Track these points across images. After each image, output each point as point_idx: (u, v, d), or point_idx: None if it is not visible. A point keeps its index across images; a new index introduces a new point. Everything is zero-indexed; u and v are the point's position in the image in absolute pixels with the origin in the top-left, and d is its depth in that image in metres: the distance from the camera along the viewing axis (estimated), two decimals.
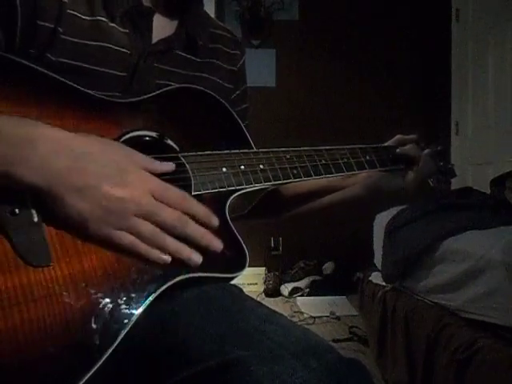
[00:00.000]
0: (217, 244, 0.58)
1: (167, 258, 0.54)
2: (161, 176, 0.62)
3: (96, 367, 0.47)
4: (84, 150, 0.52)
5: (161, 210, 0.54)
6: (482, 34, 2.87)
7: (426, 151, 0.87)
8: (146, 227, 0.53)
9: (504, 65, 2.64)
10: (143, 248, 0.53)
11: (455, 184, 2.86)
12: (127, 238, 0.53)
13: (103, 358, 0.48)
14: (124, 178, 0.53)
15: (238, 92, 0.87)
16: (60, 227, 0.52)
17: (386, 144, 0.89)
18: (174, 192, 0.56)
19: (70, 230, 0.52)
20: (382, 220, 2.00)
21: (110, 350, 0.49)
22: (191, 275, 0.57)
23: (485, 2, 2.86)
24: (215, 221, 0.58)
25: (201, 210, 0.58)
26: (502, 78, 2.66)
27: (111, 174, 0.52)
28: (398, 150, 0.86)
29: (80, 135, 0.53)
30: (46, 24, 0.62)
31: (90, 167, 0.51)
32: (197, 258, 0.56)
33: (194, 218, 0.57)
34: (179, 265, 0.56)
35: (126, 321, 0.51)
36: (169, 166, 0.59)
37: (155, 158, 0.61)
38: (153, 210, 0.53)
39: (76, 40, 0.64)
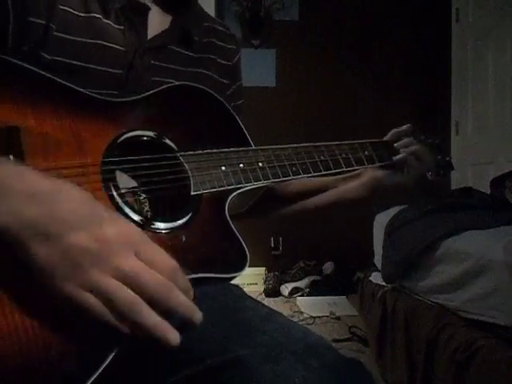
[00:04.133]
0: (199, 317, 0.45)
1: (139, 334, 0.43)
2: (160, 177, 0.61)
3: (100, 370, 0.47)
4: (59, 196, 0.43)
5: (145, 274, 0.42)
6: (481, 34, 2.87)
7: (423, 143, 0.87)
8: (123, 293, 0.41)
9: (504, 65, 2.64)
10: (112, 321, 0.42)
11: (455, 184, 2.87)
12: (96, 306, 0.41)
13: (107, 361, 0.48)
14: (104, 229, 0.43)
15: (233, 87, 0.86)
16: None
17: (384, 139, 0.88)
18: (162, 256, 0.45)
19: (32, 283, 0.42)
20: (382, 220, 2.00)
21: (114, 353, 0.49)
22: (192, 276, 0.57)
23: (485, 2, 2.85)
24: (192, 293, 0.47)
25: (185, 280, 0.46)
26: (502, 77, 2.66)
27: (88, 223, 0.43)
28: (395, 145, 0.86)
29: (55, 179, 0.45)
30: (38, 21, 0.61)
31: (63, 214, 0.42)
32: (174, 338, 0.43)
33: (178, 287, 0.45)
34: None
35: None
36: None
37: (153, 159, 0.61)
38: (135, 273, 0.42)
39: (70, 37, 0.64)
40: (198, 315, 0.45)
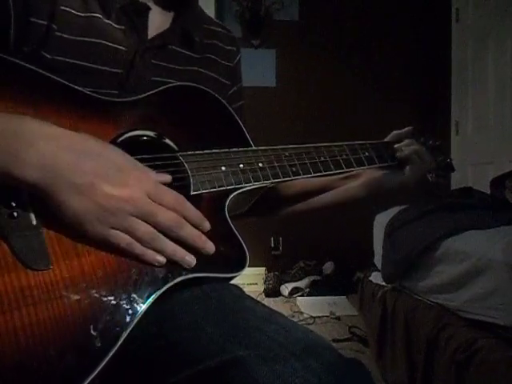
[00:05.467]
0: (210, 247, 0.58)
1: (162, 260, 0.55)
2: None
3: (98, 370, 0.47)
4: (84, 149, 0.52)
5: (157, 212, 0.54)
6: (481, 33, 2.87)
7: (423, 145, 0.87)
8: (143, 228, 0.53)
9: (504, 65, 2.64)
10: (139, 249, 0.53)
11: (455, 184, 2.88)
12: (123, 238, 0.52)
13: (105, 361, 0.48)
14: (122, 178, 0.53)
15: (234, 89, 0.87)
16: (58, 228, 0.51)
17: (384, 140, 0.88)
18: (170, 194, 0.56)
19: (66, 229, 0.51)
20: (382, 220, 2.00)
21: (112, 352, 0.49)
22: (192, 275, 0.57)
23: (485, 2, 2.85)
24: (207, 225, 0.59)
25: (195, 213, 0.58)
26: (502, 77, 2.66)
27: (110, 174, 0.52)
28: (395, 146, 0.86)
29: (78, 134, 0.53)
30: (40, 21, 0.62)
31: (89, 166, 0.51)
32: (191, 259, 0.56)
33: (188, 220, 0.57)
34: (174, 265, 0.56)
35: (127, 322, 0.51)
36: (165, 177, 0.59)
37: (154, 158, 0.61)
38: (149, 211, 0.53)
39: (71, 37, 0.64)
40: (208, 245, 0.58)
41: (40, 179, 0.48)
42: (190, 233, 0.57)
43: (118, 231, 0.52)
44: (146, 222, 0.53)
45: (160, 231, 0.54)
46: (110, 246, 0.53)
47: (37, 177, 0.48)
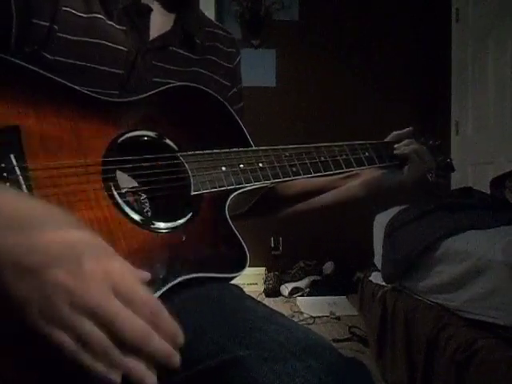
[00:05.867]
0: (177, 362, 0.42)
1: (115, 379, 0.39)
2: (160, 177, 0.62)
3: None
4: (38, 224, 0.40)
5: (121, 318, 0.39)
6: (481, 33, 2.87)
7: (424, 145, 0.87)
8: (97, 335, 0.38)
9: (504, 65, 2.64)
10: (87, 359, 0.38)
11: (455, 184, 2.88)
12: (69, 343, 0.38)
13: None
14: (82, 264, 0.39)
15: (234, 90, 0.87)
16: None
17: (384, 140, 0.89)
18: (142, 296, 0.41)
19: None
20: (382, 220, 2.00)
21: None
22: (192, 275, 0.57)
23: (485, 2, 2.85)
24: (181, 339, 0.43)
25: (170, 325, 0.42)
26: (502, 78, 2.66)
27: (67, 257, 0.39)
28: (395, 146, 0.86)
29: (35, 205, 0.42)
30: (42, 22, 0.62)
31: (42, 246, 0.39)
32: (151, 381, 0.41)
33: (161, 330, 0.42)
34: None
35: None
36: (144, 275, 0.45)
37: (154, 158, 0.61)
38: (110, 315, 0.39)
39: (73, 38, 0.64)
40: (175, 359, 0.42)
41: None
42: (158, 349, 0.41)
43: (63, 333, 0.38)
44: (103, 326, 0.39)
45: (120, 341, 0.39)
46: (52, 345, 0.38)
47: None
